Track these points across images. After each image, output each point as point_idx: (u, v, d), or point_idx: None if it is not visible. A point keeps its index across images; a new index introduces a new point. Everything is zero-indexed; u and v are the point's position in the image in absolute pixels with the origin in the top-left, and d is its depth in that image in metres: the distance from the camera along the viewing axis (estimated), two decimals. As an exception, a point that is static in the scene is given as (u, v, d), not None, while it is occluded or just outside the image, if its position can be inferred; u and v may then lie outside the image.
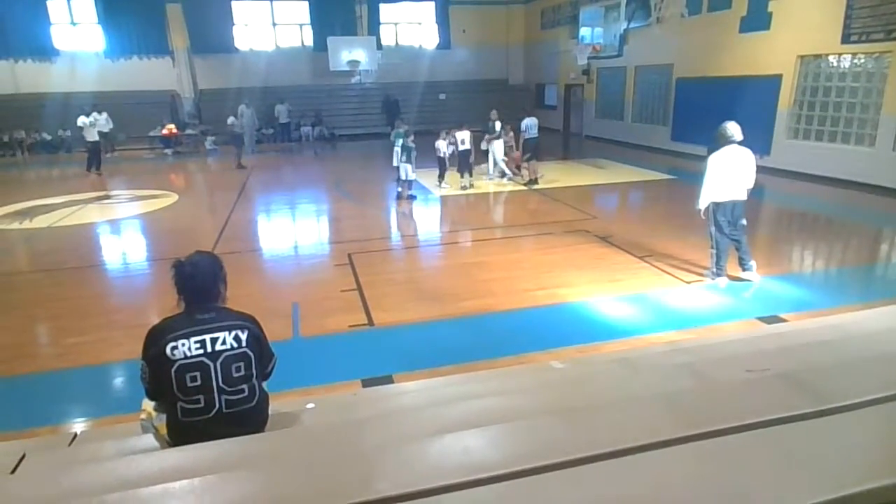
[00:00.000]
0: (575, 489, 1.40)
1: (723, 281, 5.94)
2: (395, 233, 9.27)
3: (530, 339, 4.87)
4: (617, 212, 10.57)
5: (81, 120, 14.78)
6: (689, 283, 6.10)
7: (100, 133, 17.67)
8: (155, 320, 2.30)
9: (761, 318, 5.14)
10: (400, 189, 10.78)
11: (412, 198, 10.77)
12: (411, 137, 10.83)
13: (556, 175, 12.75)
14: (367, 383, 4.15)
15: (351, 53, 21.45)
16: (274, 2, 21.77)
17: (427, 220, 10.09)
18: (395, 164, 11.07)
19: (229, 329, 2.23)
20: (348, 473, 1.50)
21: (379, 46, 22.26)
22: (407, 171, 10.52)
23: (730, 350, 3.20)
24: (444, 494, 1.38)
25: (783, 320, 5.07)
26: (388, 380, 4.19)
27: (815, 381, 1.91)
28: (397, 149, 10.85)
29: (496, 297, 5.83)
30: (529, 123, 11.67)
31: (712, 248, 5.97)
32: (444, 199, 11.07)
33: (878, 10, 10.20)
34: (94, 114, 17.01)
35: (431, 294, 5.99)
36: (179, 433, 2.21)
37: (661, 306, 5.55)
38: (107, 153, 18.03)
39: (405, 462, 1.56)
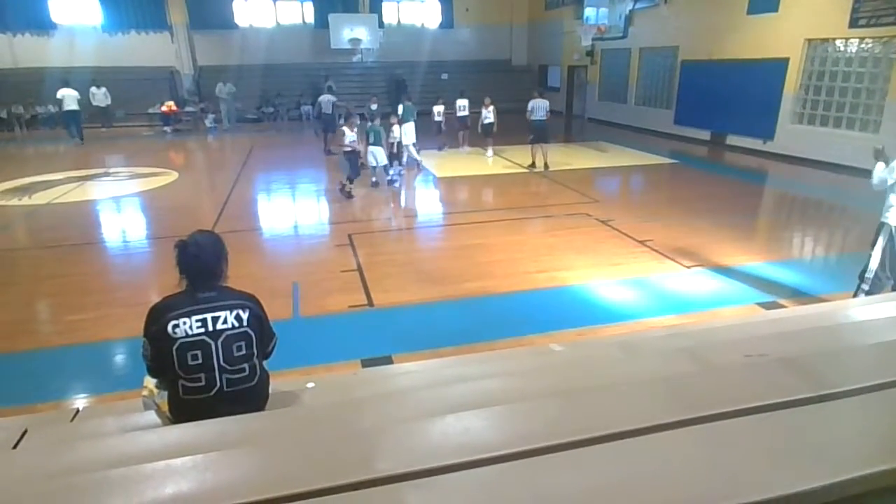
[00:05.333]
0: (574, 471, 1.41)
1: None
2: (395, 214, 9.24)
3: (530, 321, 4.89)
4: (618, 195, 10.54)
5: (61, 92, 16.07)
6: (689, 267, 6.10)
7: (98, 108, 17.84)
8: (156, 298, 2.30)
9: (761, 304, 5.16)
10: (374, 179, 10.29)
11: (391, 182, 10.41)
12: (377, 121, 10.48)
13: (558, 158, 12.67)
14: (366, 363, 4.18)
15: (352, 31, 21.17)
16: (274, -23, 21.49)
17: (428, 201, 10.07)
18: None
19: (230, 308, 2.23)
20: (348, 452, 1.51)
21: (381, 24, 21.97)
22: (376, 155, 9.94)
23: (729, 335, 3.20)
24: (443, 474, 1.39)
25: (782, 306, 5.08)
26: (387, 360, 4.22)
27: (814, 366, 1.91)
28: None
29: (496, 280, 5.84)
30: (535, 105, 11.49)
31: (865, 279, 4.66)
32: (445, 181, 11.03)
33: (887, -6, 10.06)
34: (93, 88, 17.74)
35: (431, 275, 5.99)
36: (181, 410, 2.23)
37: (661, 291, 5.56)
38: (103, 128, 18.08)
39: (405, 442, 1.57)
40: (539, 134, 11.50)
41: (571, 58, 20.83)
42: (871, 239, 4.73)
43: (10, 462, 1.75)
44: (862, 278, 4.70)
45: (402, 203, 9.79)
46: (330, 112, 14.19)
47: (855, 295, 4.76)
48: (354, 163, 9.57)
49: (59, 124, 17.43)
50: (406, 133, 11.34)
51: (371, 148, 9.90)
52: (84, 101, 17.77)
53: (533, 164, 11.69)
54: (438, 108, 14.09)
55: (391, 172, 10.45)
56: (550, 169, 11.47)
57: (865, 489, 1.35)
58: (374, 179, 10.31)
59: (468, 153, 13.68)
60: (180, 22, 20.73)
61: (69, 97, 16.03)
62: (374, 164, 10.02)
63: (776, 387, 1.75)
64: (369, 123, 10.38)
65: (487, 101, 12.91)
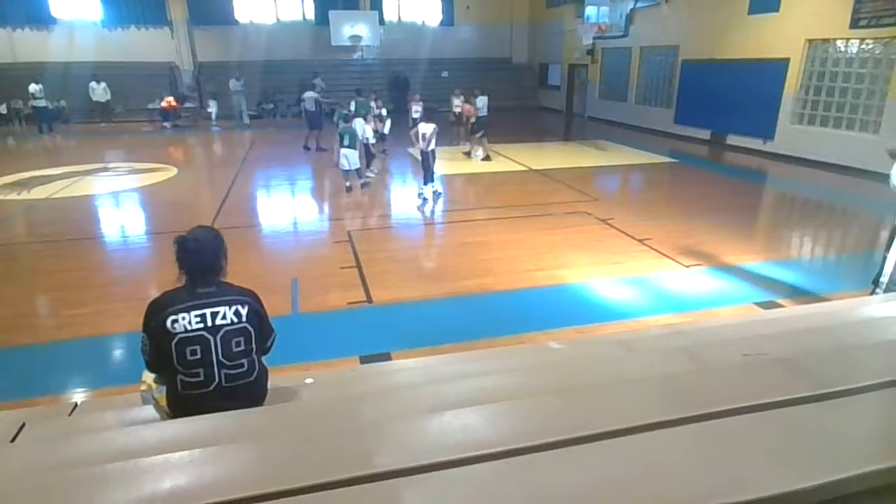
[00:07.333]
0: (571, 468, 1.42)
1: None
2: (394, 211, 9.24)
3: (529, 319, 4.89)
4: (618, 194, 10.53)
5: (32, 87, 16.68)
6: (688, 266, 6.10)
7: (98, 103, 17.92)
8: (155, 293, 2.30)
9: (759, 304, 5.16)
10: (348, 183, 9.61)
11: (365, 186, 9.84)
12: (347, 121, 9.87)
13: (557, 156, 12.69)
14: (365, 360, 4.18)
15: (353, 28, 21.14)
16: (275, -27, 21.42)
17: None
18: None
19: (229, 304, 2.23)
20: (346, 448, 1.51)
21: (381, 22, 21.93)
22: (349, 158, 9.33)
23: (727, 334, 3.20)
24: (441, 471, 1.39)
25: (781, 306, 5.09)
26: (386, 357, 4.21)
27: (812, 366, 1.91)
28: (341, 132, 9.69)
29: (496, 277, 5.84)
30: (483, 102, 12.14)
31: (880, 284, 4.47)
32: (444, 179, 11.01)
33: (888, -5, 10.05)
34: (93, 83, 18.01)
35: (431, 272, 6.00)
36: (179, 405, 2.23)
37: (659, 289, 5.57)
38: (103, 123, 18.10)
39: (403, 438, 1.57)
40: (486, 128, 12.29)
41: (572, 56, 20.80)
42: (870, 239, 4.70)
43: (7, 455, 1.75)
44: (877, 283, 4.55)
45: (402, 200, 9.78)
46: (313, 109, 13.93)
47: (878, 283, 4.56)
48: (429, 164, 8.95)
49: (79, 121, 18.15)
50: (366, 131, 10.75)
51: (344, 151, 9.35)
52: (83, 96, 17.84)
53: (470, 154, 12.44)
54: (416, 107, 13.59)
55: (367, 175, 9.60)
56: (549, 168, 11.54)
57: (862, 488, 1.35)
58: (347, 184, 9.68)
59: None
60: (180, 18, 20.67)
61: (36, 95, 16.69)
62: (347, 167, 9.47)
63: (773, 386, 1.76)
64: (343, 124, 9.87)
65: (471, 99, 12.95)
